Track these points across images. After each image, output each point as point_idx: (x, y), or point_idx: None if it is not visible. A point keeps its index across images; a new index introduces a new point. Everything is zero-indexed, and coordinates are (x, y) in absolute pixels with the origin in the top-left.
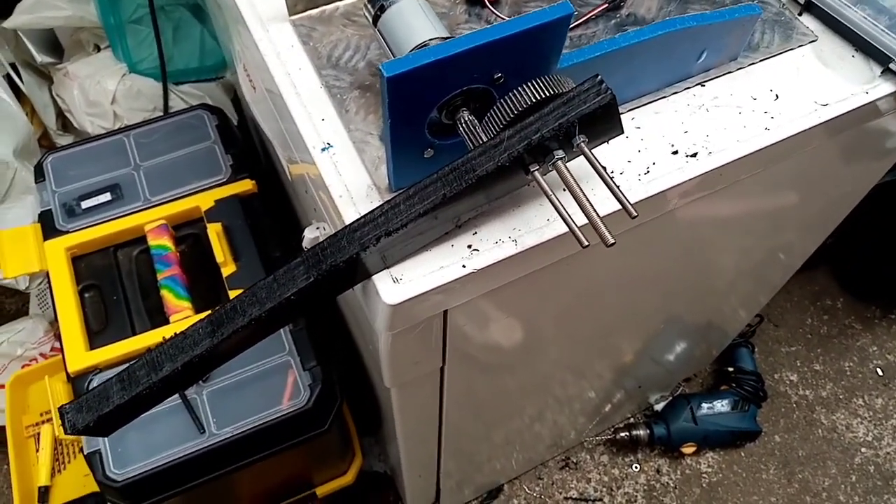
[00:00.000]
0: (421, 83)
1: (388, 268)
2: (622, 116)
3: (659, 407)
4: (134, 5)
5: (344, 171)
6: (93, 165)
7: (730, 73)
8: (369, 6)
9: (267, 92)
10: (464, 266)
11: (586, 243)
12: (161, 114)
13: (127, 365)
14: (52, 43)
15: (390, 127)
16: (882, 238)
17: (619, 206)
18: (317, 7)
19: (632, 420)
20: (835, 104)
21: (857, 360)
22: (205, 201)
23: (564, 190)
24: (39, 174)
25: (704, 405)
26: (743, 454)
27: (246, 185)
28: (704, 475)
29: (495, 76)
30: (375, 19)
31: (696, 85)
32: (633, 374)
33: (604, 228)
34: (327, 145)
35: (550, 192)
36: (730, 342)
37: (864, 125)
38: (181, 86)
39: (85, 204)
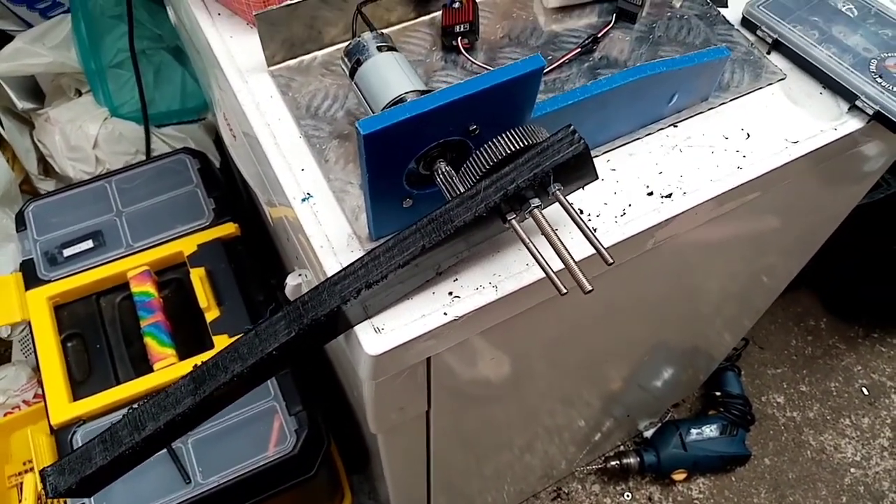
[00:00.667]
0: (397, 139)
1: (369, 318)
2: (597, 159)
3: (648, 434)
4: (114, 50)
5: (324, 221)
6: (74, 213)
7: (701, 113)
8: (346, 59)
9: (246, 139)
10: (445, 314)
11: (564, 291)
12: (143, 156)
13: (109, 425)
14: (33, 88)
15: (368, 181)
16: (862, 258)
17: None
18: (295, 57)
19: (622, 448)
20: (805, 141)
21: (843, 379)
22: (188, 246)
23: (541, 234)
24: (20, 223)
25: (693, 431)
26: (733, 479)
27: (229, 229)
28: (696, 501)
29: (470, 128)
30: (352, 72)
31: (669, 126)
32: (621, 402)
33: (581, 276)
34: (307, 195)
35: (528, 241)
36: (716, 366)
37: (836, 157)
38: (163, 128)
39: (67, 252)
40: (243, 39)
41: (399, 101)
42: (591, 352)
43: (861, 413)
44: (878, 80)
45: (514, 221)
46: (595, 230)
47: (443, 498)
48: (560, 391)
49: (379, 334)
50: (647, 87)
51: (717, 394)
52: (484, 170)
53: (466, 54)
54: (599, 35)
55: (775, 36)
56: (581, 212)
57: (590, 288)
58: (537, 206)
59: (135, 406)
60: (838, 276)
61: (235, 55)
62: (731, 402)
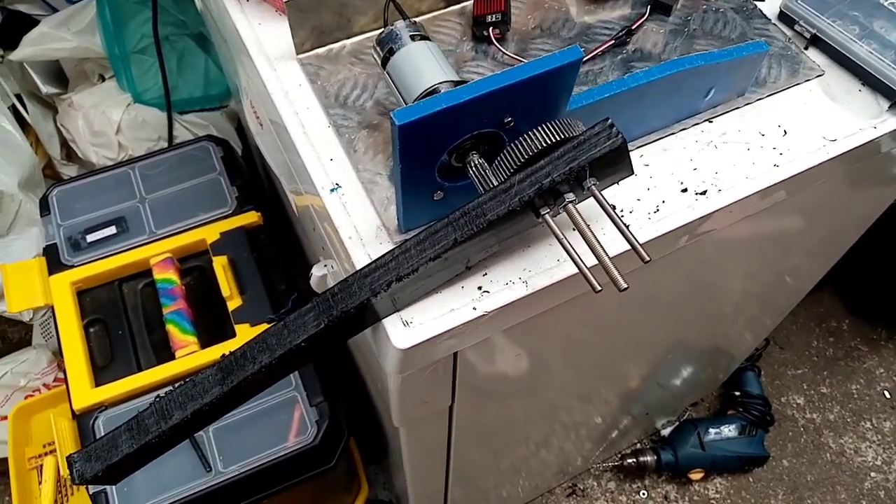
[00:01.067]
0: (431, 130)
1: (398, 311)
2: (631, 153)
3: (666, 432)
4: (138, 35)
5: (353, 212)
6: (98, 198)
7: (737, 108)
8: (378, 48)
9: (274, 128)
10: (474, 308)
11: (599, 288)
12: (165, 143)
13: (131, 411)
14: (57, 73)
15: (401, 172)
16: (888, 259)
17: (630, 247)
18: (324, 46)
19: (639, 446)
20: (843, 139)
21: (864, 382)
22: (210, 234)
23: (574, 230)
24: (44, 208)
25: (712, 430)
26: (751, 479)
27: (251, 217)
28: (713, 501)
29: (505, 120)
30: (384, 62)
31: (705, 121)
32: (640, 399)
33: (616, 273)
34: (336, 186)
35: (562, 236)
36: (737, 366)
37: (874, 156)
38: (186, 115)
39: (90, 237)
40: (272, 26)
41: (432, 91)
42: (613, 349)
43: (882, 416)
44: None
45: (547, 216)
46: (628, 226)
47: (459, 491)
48: (580, 388)
49: (407, 328)
50: (684, 80)
51: (737, 394)
52: (518, 163)
53: (498, 45)
54: (633, 27)
55: (814, 31)
56: (614, 207)
57: (625, 285)
58: (571, 202)
59: (161, 394)
60: (862, 277)
61: (264, 42)
62: (751, 403)
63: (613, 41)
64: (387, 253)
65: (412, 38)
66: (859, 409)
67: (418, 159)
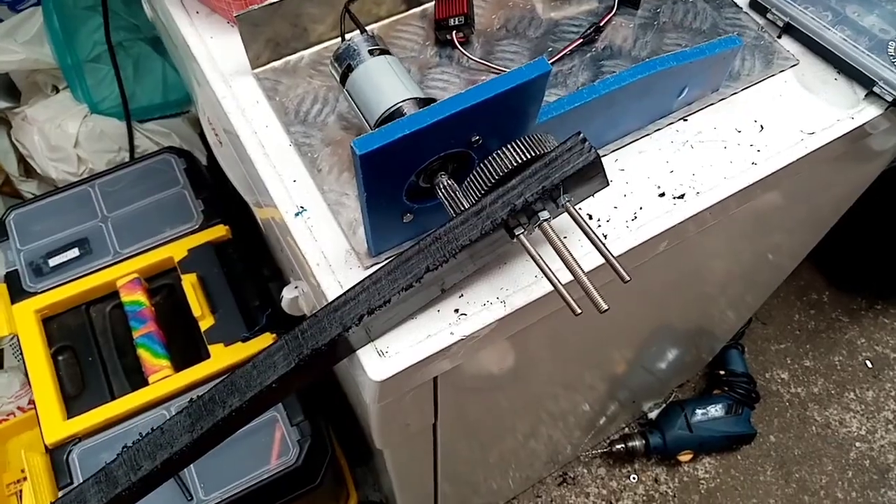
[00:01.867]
0: (395, 156)
1: (372, 341)
2: (605, 158)
3: (653, 415)
4: (90, 43)
5: (320, 237)
6: (58, 219)
7: (712, 104)
8: (336, 64)
9: (232, 145)
10: (452, 333)
11: (579, 312)
12: (127, 154)
13: (104, 442)
14: (8, 86)
15: (366, 200)
16: (864, 229)
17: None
18: (281, 58)
19: (627, 430)
20: (821, 132)
21: (846, 353)
22: (177, 251)
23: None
24: (2, 232)
25: (698, 411)
26: (739, 457)
27: (219, 232)
28: (702, 481)
29: (473, 139)
30: (343, 78)
31: (679, 120)
32: (626, 385)
33: (597, 295)
34: (301, 209)
35: (538, 257)
36: (721, 346)
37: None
38: (146, 123)
39: (52, 261)
40: (225, 40)
41: (395, 111)
42: (597, 341)
43: (865, 386)
44: None
45: (522, 237)
46: (605, 237)
47: (449, 487)
48: (565, 378)
49: (383, 358)
50: (656, 82)
51: (722, 373)
52: (489, 184)
53: (462, 49)
54: (602, 23)
55: (786, 19)
56: (590, 217)
57: (605, 307)
58: (546, 220)
59: (129, 445)
60: (840, 248)
61: (217, 57)
62: (736, 381)
63: (582, 39)
64: (357, 284)
65: (371, 52)
66: (842, 381)
67: (383, 186)
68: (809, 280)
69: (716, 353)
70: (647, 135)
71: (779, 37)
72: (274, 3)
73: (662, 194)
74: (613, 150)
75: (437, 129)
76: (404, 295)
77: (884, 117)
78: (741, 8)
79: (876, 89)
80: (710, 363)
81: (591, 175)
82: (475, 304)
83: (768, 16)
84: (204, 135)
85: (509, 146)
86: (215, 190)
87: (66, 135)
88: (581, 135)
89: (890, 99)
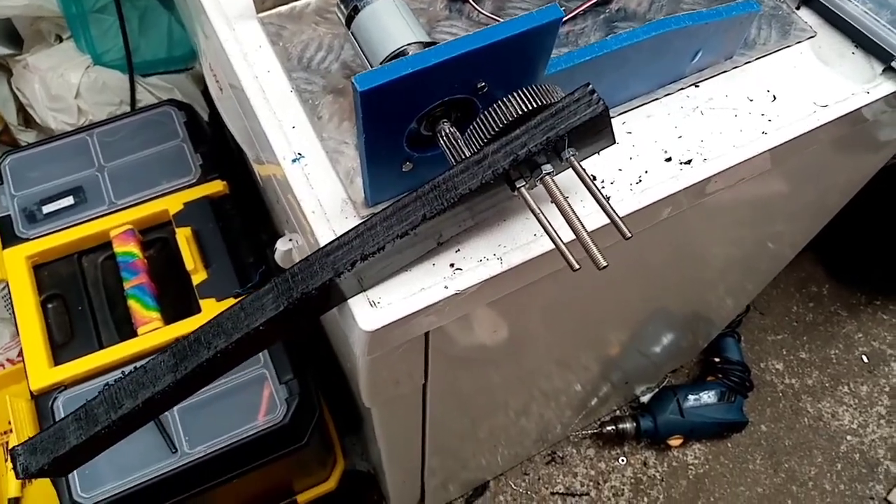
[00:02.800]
0: (397, 97)
1: (364, 290)
2: (613, 120)
3: (645, 399)
4: None
5: (316, 184)
6: (54, 167)
7: (725, 72)
8: (342, 6)
9: (233, 92)
10: (446, 287)
11: (577, 267)
12: (128, 108)
13: (91, 391)
14: (11, 33)
15: (365, 143)
16: (868, 223)
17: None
18: (287, 3)
19: (618, 413)
20: (834, 105)
21: (843, 347)
22: (173, 204)
23: (552, 202)
24: None
25: (691, 397)
26: (729, 445)
27: (216, 187)
28: (691, 467)
29: (478, 85)
30: (349, 21)
31: (691, 85)
32: (620, 367)
33: (596, 251)
34: (298, 156)
35: (539, 211)
36: (717, 333)
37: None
38: (149, 78)
39: (46, 209)
40: None
41: (400, 53)
42: (593, 317)
43: (860, 381)
44: None
45: (523, 189)
46: (609, 199)
47: (436, 461)
48: (559, 355)
49: (375, 308)
50: (670, 42)
51: (716, 360)
52: (492, 132)
53: (473, 3)
54: None
55: None
56: (594, 178)
57: (605, 264)
58: (549, 173)
59: (111, 382)
60: (843, 241)
61: (222, 0)
62: (730, 369)
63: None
64: (351, 230)
65: None
66: (837, 374)
67: (383, 128)
68: (810, 272)
69: (712, 339)
70: (657, 99)
71: (798, 7)
72: None
73: (669, 159)
74: (622, 113)
75: (442, 70)
76: (399, 243)
77: None
78: None
79: (894, 64)
80: (706, 350)
81: (598, 129)
82: (471, 260)
83: None
84: (207, 92)
85: (515, 94)
86: (215, 145)
87: (67, 85)
88: (589, 86)
89: None
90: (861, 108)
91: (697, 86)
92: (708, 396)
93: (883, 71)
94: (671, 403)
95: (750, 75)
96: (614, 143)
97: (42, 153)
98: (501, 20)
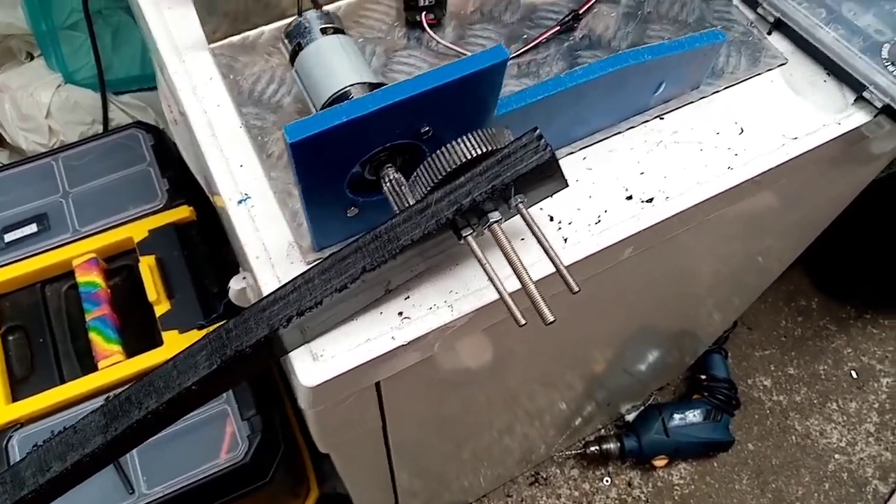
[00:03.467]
0: (332, 146)
1: (307, 342)
2: (572, 156)
3: (630, 417)
4: (67, 9)
5: (263, 227)
6: (17, 193)
7: (692, 103)
8: (286, 42)
9: (184, 123)
10: (393, 338)
11: (523, 322)
12: (101, 127)
13: (49, 429)
14: None
15: (303, 192)
16: (857, 237)
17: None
18: (240, 33)
19: (602, 432)
20: (804, 137)
21: (832, 362)
22: (138, 231)
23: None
24: None
25: (676, 416)
26: (715, 464)
27: (183, 213)
28: (676, 487)
29: (422, 130)
30: (292, 57)
31: (655, 118)
32: (603, 386)
33: (543, 306)
34: (245, 196)
35: (485, 262)
36: (704, 349)
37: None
38: (122, 96)
39: (8, 237)
40: (183, 11)
41: (342, 95)
42: (570, 341)
43: (849, 397)
44: (890, 67)
45: (470, 238)
46: (566, 241)
47: (411, 485)
48: (537, 377)
49: (317, 362)
50: (630, 76)
51: (703, 377)
52: (435, 180)
53: (431, 32)
54: (581, 11)
55: (777, 14)
56: (551, 219)
57: (551, 319)
58: (497, 221)
59: (39, 444)
60: (831, 255)
61: (173, 29)
62: (717, 387)
63: (559, 27)
64: (288, 283)
65: (323, 31)
66: (826, 390)
67: (321, 177)
68: (798, 285)
69: (698, 355)
70: (620, 133)
71: (769, 33)
72: None
73: (630, 197)
74: (582, 148)
75: (380, 117)
76: (339, 296)
77: (872, 124)
78: (731, 1)
79: (866, 94)
80: (692, 367)
81: (547, 175)
82: (421, 308)
83: (759, 10)
84: None
85: (459, 140)
86: (182, 169)
87: (38, 104)
88: (537, 131)
89: (879, 105)
90: (831, 140)
91: (662, 118)
92: (693, 415)
93: (855, 100)
94: (656, 423)
95: (717, 106)
96: (566, 186)
97: (5, 179)
98: (460, 50)
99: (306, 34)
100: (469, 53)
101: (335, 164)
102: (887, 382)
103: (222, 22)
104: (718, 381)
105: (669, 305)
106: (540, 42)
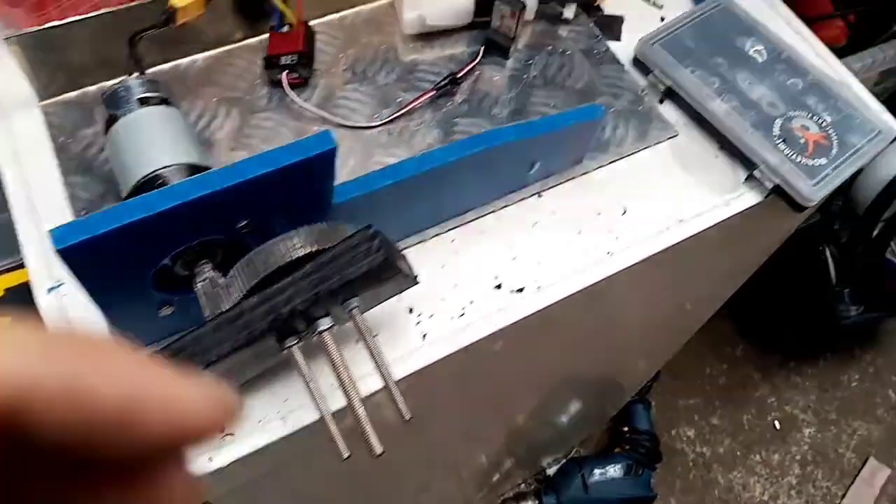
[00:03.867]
0: (115, 249)
1: None
2: (439, 237)
3: (551, 472)
4: None
5: (75, 319)
6: None
7: (573, 179)
8: (105, 109)
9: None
10: (210, 459)
11: (345, 456)
12: None
13: None
14: None
15: (91, 296)
16: (780, 284)
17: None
18: (77, 89)
19: (522, 487)
20: (690, 220)
21: (756, 412)
22: None
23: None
24: None
25: (597, 471)
26: None
27: None
28: None
29: (239, 225)
30: (107, 128)
31: (533, 195)
32: (523, 440)
33: (371, 437)
34: (57, 283)
35: (308, 380)
36: (627, 400)
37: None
38: None
39: None
40: (10, 61)
41: (153, 179)
42: (485, 397)
43: (772, 449)
44: (782, 145)
45: (295, 349)
46: (424, 336)
47: None
48: (454, 431)
49: None
50: (496, 157)
51: (625, 429)
52: (250, 285)
53: (293, 94)
54: (459, 74)
55: (669, 83)
56: (410, 311)
57: (379, 452)
58: (328, 328)
59: None
60: (755, 302)
61: (1, 84)
62: (638, 440)
63: (435, 91)
64: None
65: (143, 101)
66: (749, 442)
67: (111, 279)
68: (723, 332)
69: (620, 406)
70: (494, 211)
71: (661, 101)
72: (67, 23)
73: (499, 286)
74: (451, 228)
75: (173, 217)
76: None
77: (765, 205)
78: (623, 65)
79: (756, 173)
80: (615, 418)
81: (387, 276)
82: (250, 420)
83: (650, 77)
84: None
85: (280, 239)
86: None
87: None
88: (371, 229)
89: (770, 185)
90: (718, 223)
91: (541, 196)
92: (614, 470)
93: (747, 178)
94: (576, 479)
95: (601, 183)
96: (416, 283)
97: None
98: (327, 115)
99: (122, 104)
100: (332, 118)
101: (126, 267)
102: (809, 433)
103: (56, 76)
104: (640, 434)
105: (581, 362)
106: (414, 107)
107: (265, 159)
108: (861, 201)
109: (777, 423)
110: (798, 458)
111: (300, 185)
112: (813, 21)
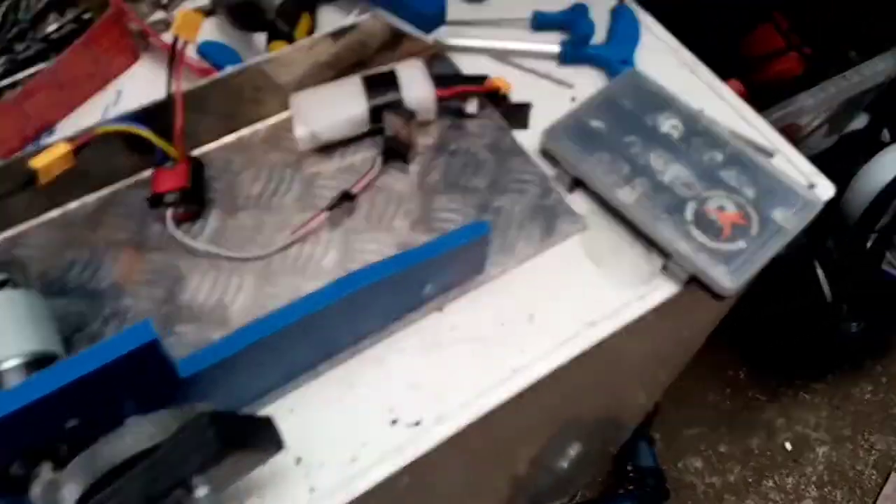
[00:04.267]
0: None
1: None
2: (330, 373)
3: None
4: None
5: None
6: None
7: (476, 289)
8: None
9: None
10: None
11: None
12: None
13: None
14: None
15: None
16: (775, 306)
17: None
18: None
19: None
20: (602, 322)
21: (765, 435)
22: None
23: None
24: None
25: None
26: None
27: None
28: None
29: (68, 425)
30: None
31: (434, 311)
32: (524, 488)
33: None
34: None
35: None
36: (627, 437)
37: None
38: None
39: None
40: None
41: None
42: (481, 467)
43: (785, 472)
44: (695, 231)
45: None
46: (312, 490)
47: None
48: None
49: None
50: (375, 291)
51: (629, 468)
52: (81, 493)
53: (178, 233)
54: (354, 191)
55: (576, 173)
56: (298, 461)
57: None
58: None
59: None
60: (755, 325)
61: None
62: (643, 477)
63: (328, 211)
64: None
65: None
66: (761, 467)
67: None
68: (725, 355)
69: (621, 444)
70: (391, 334)
71: (570, 191)
72: None
73: (395, 421)
74: (342, 363)
75: None
76: None
77: (683, 295)
78: (529, 157)
79: (669, 263)
80: (618, 456)
81: (237, 456)
82: None
83: (558, 169)
84: None
85: (114, 436)
86: None
87: None
88: (203, 419)
89: (684, 276)
90: (633, 321)
91: (441, 310)
92: None
93: (662, 268)
94: None
95: (505, 289)
96: (281, 448)
97: None
98: (217, 250)
99: None
100: (220, 252)
101: None
102: (823, 452)
103: None
104: (645, 471)
105: (572, 419)
106: (309, 230)
107: (75, 365)
108: (851, 213)
109: (788, 445)
110: (814, 479)
111: (126, 379)
112: (767, 58)
